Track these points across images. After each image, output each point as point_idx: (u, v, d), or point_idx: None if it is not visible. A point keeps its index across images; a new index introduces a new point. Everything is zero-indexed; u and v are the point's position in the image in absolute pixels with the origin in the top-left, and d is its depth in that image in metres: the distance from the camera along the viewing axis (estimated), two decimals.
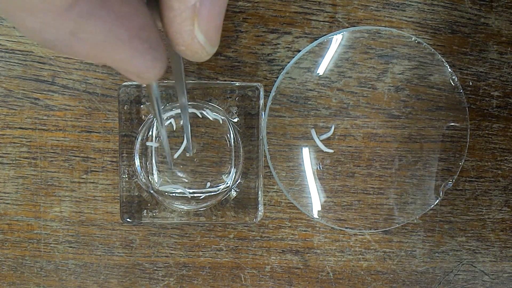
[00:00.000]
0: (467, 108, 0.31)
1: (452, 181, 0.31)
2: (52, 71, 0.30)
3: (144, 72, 0.14)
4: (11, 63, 0.30)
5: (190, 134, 0.26)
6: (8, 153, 0.31)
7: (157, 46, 0.14)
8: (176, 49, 0.14)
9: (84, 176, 0.31)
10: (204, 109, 0.30)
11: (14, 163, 0.31)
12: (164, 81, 0.30)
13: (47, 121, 0.30)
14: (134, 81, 0.30)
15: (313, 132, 0.31)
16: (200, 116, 0.30)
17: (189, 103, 0.30)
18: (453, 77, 0.31)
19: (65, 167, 0.31)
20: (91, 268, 0.32)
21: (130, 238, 0.32)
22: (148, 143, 0.30)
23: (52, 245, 0.31)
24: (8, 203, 0.31)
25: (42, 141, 0.31)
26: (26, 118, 0.30)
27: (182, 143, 0.30)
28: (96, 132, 0.31)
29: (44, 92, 0.30)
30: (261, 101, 0.29)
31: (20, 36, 0.30)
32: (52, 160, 0.31)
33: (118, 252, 0.32)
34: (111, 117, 0.31)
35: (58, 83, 0.30)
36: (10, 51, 0.30)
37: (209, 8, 0.13)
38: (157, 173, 0.30)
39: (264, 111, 0.30)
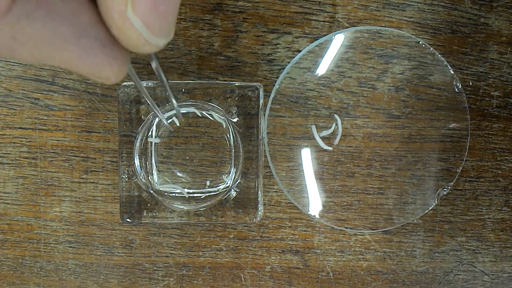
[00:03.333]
0: (467, 108, 0.31)
1: (448, 187, 0.31)
2: (52, 71, 0.30)
3: (99, 72, 0.13)
4: (11, 63, 0.30)
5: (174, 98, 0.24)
6: (8, 153, 0.31)
7: (112, 44, 0.13)
8: (113, 34, 0.13)
9: (84, 176, 0.31)
10: (204, 109, 0.30)
11: (14, 163, 0.31)
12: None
13: (47, 121, 0.30)
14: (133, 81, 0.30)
15: (313, 128, 0.31)
16: (199, 115, 0.30)
17: (189, 102, 0.30)
18: (457, 83, 0.31)
19: (65, 167, 0.31)
20: (91, 268, 0.32)
21: (130, 238, 0.32)
22: (150, 139, 0.30)
23: (52, 245, 0.31)
24: (8, 203, 0.31)
25: (42, 141, 0.31)
26: (26, 118, 0.30)
27: (182, 143, 0.30)
28: (96, 132, 0.31)
29: (44, 92, 0.30)
30: (261, 101, 0.29)
31: None
32: (52, 160, 0.31)
33: (118, 252, 0.32)
34: (111, 117, 0.31)
35: (58, 83, 0.30)
36: None
37: None
38: (156, 173, 0.30)
39: (264, 111, 0.30)
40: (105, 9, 0.12)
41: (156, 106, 0.23)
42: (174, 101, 0.23)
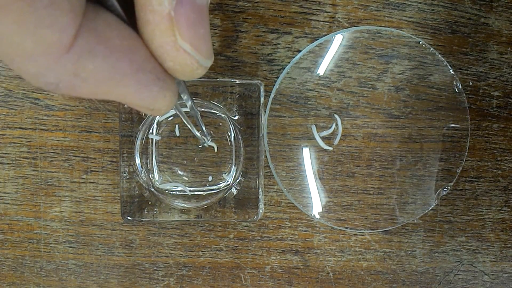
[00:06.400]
0: (467, 108, 0.31)
1: (448, 187, 0.31)
2: None
3: (153, 104, 0.14)
4: None
5: (202, 125, 0.26)
6: (8, 153, 0.31)
7: (164, 76, 0.14)
8: (166, 68, 0.13)
9: (84, 176, 0.31)
10: (205, 107, 0.30)
11: (14, 163, 0.31)
12: None
13: (47, 121, 0.30)
14: None
15: (313, 128, 0.31)
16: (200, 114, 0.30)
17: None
18: (457, 83, 0.31)
19: (65, 167, 0.31)
20: (91, 268, 0.32)
21: (130, 238, 0.31)
22: (151, 136, 0.30)
23: (52, 245, 0.31)
24: (8, 203, 0.31)
25: (42, 141, 0.31)
26: (26, 118, 0.30)
27: (182, 142, 0.30)
28: (96, 132, 0.31)
29: (44, 92, 0.30)
30: (262, 99, 0.29)
31: None
32: (52, 160, 0.31)
33: (118, 252, 0.32)
34: (111, 117, 0.31)
35: None
36: None
37: (186, 14, 0.12)
38: (157, 172, 0.30)
39: (265, 111, 0.30)
40: (157, 45, 0.13)
41: (197, 133, 0.26)
42: (203, 127, 0.25)
